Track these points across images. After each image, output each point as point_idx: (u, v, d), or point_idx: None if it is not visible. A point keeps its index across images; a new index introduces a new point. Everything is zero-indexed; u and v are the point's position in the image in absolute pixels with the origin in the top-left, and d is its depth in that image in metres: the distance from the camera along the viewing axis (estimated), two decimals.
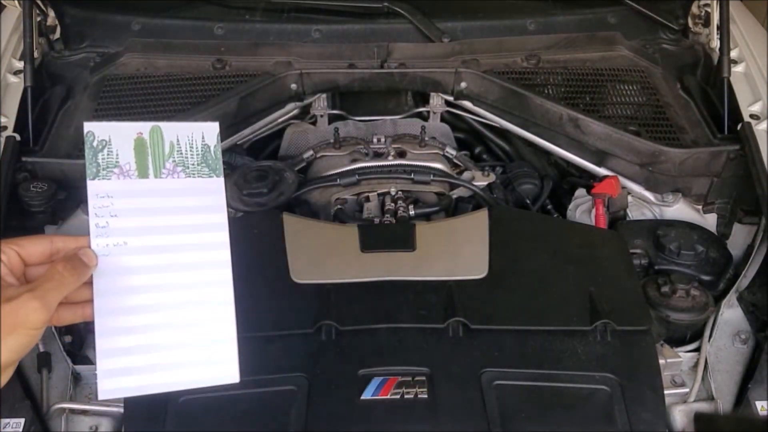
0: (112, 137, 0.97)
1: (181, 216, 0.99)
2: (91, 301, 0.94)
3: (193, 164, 1.01)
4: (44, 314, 0.84)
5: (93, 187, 0.95)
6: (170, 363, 0.96)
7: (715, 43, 1.69)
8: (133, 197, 0.97)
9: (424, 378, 1.08)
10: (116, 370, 0.94)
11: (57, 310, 0.88)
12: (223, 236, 1.01)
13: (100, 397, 0.93)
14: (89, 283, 0.93)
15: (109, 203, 0.96)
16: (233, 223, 1.42)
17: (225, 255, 1.00)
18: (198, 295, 0.98)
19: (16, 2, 1.75)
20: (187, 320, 0.97)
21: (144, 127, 0.99)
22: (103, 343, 0.94)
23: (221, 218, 1.01)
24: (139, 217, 0.97)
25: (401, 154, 1.62)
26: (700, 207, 1.54)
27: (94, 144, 0.96)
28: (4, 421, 1.07)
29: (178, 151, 1.00)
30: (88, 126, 0.97)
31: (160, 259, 0.97)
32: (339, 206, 1.50)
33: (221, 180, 1.02)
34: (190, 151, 1.01)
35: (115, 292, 0.95)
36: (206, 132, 1.02)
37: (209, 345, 0.98)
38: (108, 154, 0.96)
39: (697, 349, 1.25)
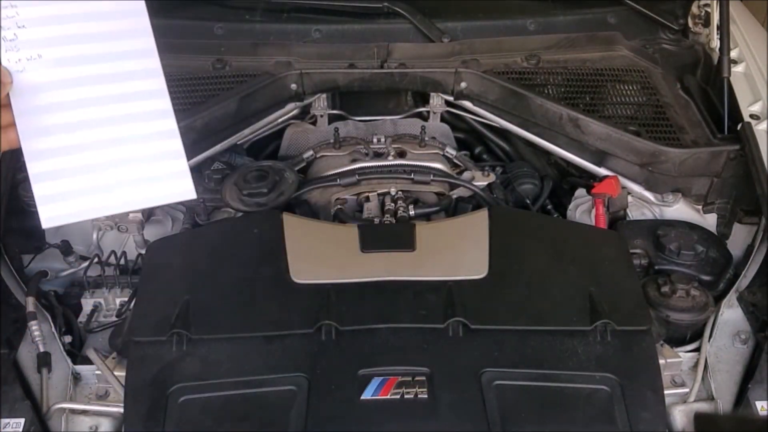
0: None
1: (98, 22, 0.87)
2: (14, 124, 0.86)
3: None
4: None
5: None
6: (115, 183, 0.88)
7: (715, 43, 1.69)
8: (40, 4, 0.86)
9: (424, 378, 1.08)
10: (54, 195, 0.86)
11: None
12: (148, 41, 0.90)
13: (44, 225, 0.87)
14: (9, 106, 0.85)
15: (14, 13, 0.85)
16: (234, 222, 1.44)
17: (154, 62, 0.91)
18: (131, 108, 0.89)
19: None
20: (123, 135, 0.88)
21: None
22: (34, 167, 0.86)
23: (144, 23, 0.90)
24: (50, 26, 0.86)
25: (401, 154, 1.61)
26: (700, 207, 1.54)
27: None
28: (4, 421, 1.07)
29: None
30: None
31: (82, 71, 0.87)
32: (339, 206, 1.50)
33: None
34: None
35: (39, 111, 0.86)
36: None
37: (154, 160, 0.89)
38: None
39: (697, 349, 1.25)
